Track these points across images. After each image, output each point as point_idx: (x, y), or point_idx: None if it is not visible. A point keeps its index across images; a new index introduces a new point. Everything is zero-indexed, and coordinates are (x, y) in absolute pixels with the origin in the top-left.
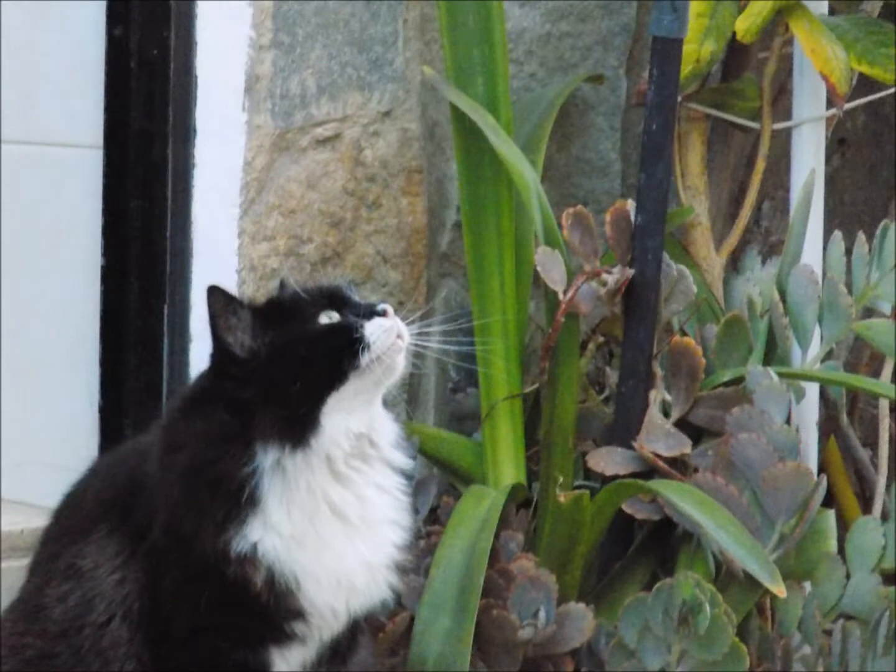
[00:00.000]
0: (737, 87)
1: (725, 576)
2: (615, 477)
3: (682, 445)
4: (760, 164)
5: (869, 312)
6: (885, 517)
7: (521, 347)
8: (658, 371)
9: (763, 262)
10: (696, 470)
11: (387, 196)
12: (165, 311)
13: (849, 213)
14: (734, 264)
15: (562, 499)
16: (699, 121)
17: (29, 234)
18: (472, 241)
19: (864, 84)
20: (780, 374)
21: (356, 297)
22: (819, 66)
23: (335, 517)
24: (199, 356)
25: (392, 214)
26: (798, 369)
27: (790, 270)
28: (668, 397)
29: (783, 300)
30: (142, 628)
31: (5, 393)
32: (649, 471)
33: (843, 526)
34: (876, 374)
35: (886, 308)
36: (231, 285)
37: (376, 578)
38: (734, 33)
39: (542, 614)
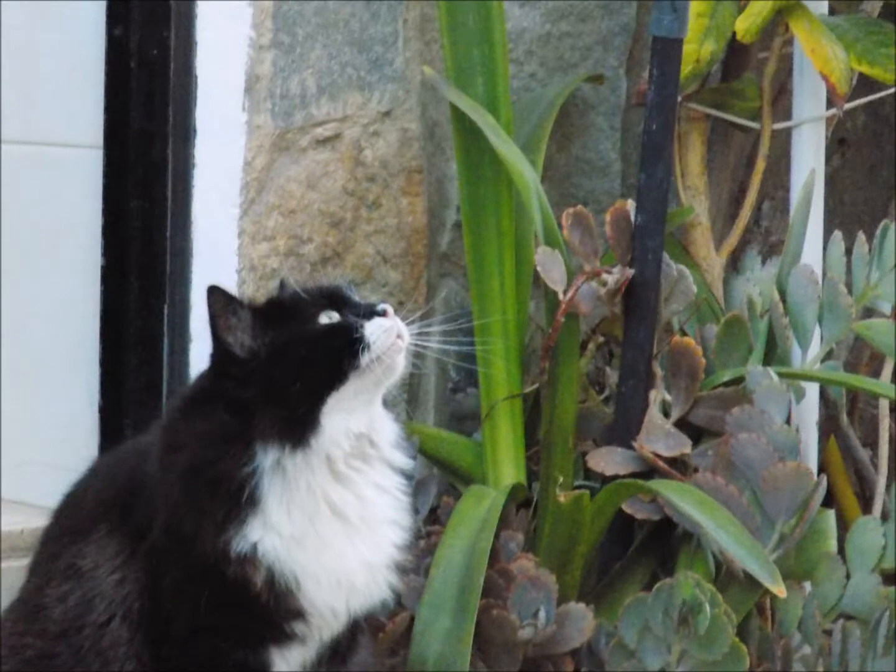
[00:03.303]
0: (737, 87)
1: (725, 576)
2: (615, 477)
3: (682, 445)
4: (760, 164)
5: (869, 312)
6: (885, 517)
7: (521, 347)
8: (658, 371)
9: (763, 262)
10: (696, 470)
11: (387, 196)
12: (165, 311)
13: (849, 213)
14: (734, 264)
15: (562, 499)
16: (699, 121)
17: (29, 234)
18: (472, 241)
19: (864, 84)
20: (780, 374)
21: (356, 297)
22: (819, 66)
23: (335, 517)
24: (199, 356)
25: (392, 214)
26: (798, 369)
27: (790, 270)
28: (668, 397)
29: (783, 300)
30: (142, 628)
31: (5, 393)
32: (649, 471)
33: (843, 526)
34: (876, 374)
35: (886, 308)
36: (231, 285)
37: (376, 578)
38: (734, 33)
39: (542, 614)
